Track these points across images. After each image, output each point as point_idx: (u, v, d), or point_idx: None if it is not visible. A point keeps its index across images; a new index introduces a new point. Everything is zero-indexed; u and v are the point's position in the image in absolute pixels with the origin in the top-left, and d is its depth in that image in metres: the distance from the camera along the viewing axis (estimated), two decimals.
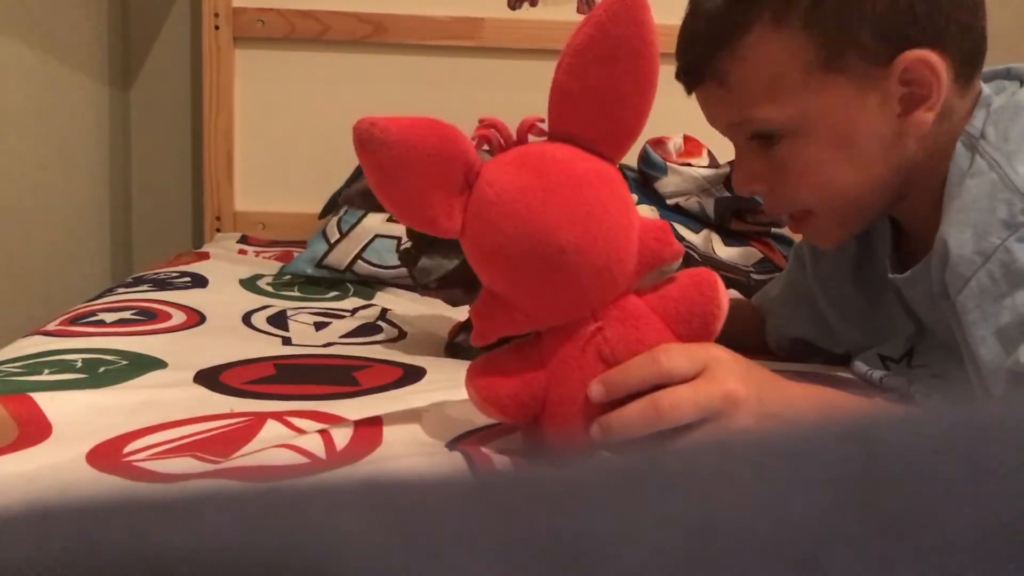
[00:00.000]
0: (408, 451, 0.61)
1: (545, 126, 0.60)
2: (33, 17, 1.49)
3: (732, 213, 1.45)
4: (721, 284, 0.62)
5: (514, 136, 0.60)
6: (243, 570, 0.16)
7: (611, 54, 0.56)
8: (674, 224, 1.42)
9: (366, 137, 0.56)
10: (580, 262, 0.57)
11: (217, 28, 1.78)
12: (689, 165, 1.48)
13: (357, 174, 1.65)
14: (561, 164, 0.58)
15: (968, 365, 0.71)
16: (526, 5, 1.83)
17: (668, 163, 1.48)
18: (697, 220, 1.46)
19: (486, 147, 0.60)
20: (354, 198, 1.00)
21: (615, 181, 0.59)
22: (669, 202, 1.46)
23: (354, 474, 0.20)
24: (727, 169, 1.45)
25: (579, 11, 1.83)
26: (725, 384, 0.57)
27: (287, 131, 1.84)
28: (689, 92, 0.81)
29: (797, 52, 0.73)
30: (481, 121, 0.61)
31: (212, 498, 0.18)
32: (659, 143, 1.52)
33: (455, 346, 0.96)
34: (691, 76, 0.79)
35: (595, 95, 0.57)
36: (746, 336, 1.04)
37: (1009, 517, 0.17)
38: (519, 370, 0.60)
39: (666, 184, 1.47)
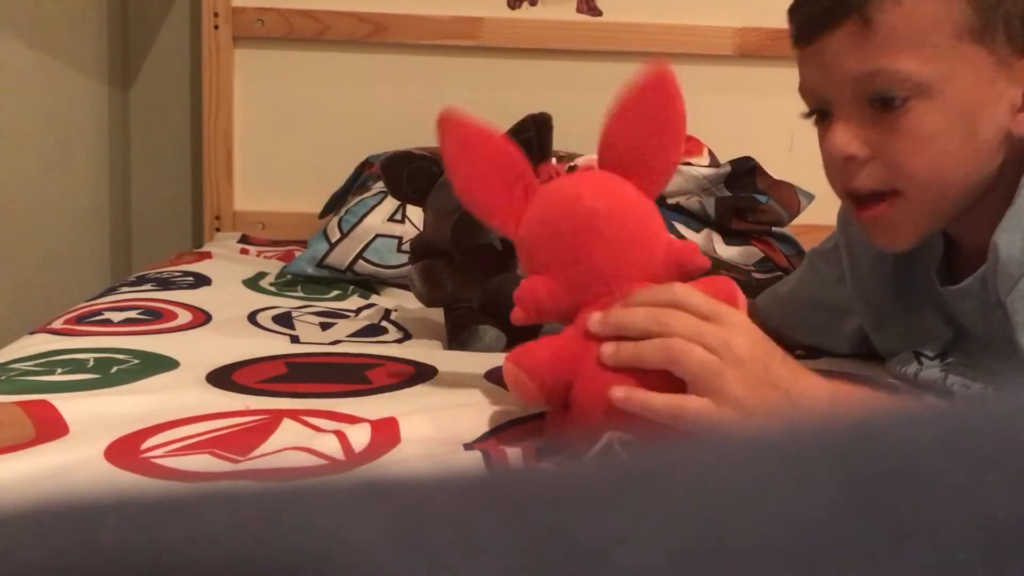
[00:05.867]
0: (426, 451, 0.61)
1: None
2: (33, 17, 1.49)
3: (733, 212, 1.45)
4: (740, 293, 0.67)
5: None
6: (242, 570, 0.16)
7: (649, 111, 0.70)
8: (675, 223, 1.42)
9: (448, 115, 0.70)
10: (608, 226, 0.66)
11: (217, 28, 1.78)
12: (690, 164, 1.48)
13: (357, 174, 1.65)
14: (603, 174, 0.71)
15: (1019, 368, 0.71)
16: (526, 5, 1.83)
17: None
18: (698, 219, 1.46)
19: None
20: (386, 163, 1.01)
21: (648, 201, 0.70)
22: (670, 201, 1.46)
23: (354, 474, 0.20)
24: (727, 168, 1.46)
25: (578, 10, 1.83)
26: (729, 335, 0.60)
27: (287, 131, 1.84)
28: (811, 40, 0.76)
29: (954, 13, 0.72)
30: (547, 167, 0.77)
31: (212, 498, 0.18)
32: None
33: (462, 340, 0.96)
34: (833, 13, 0.74)
35: (637, 141, 0.70)
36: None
37: (1011, 517, 0.17)
38: (553, 344, 0.66)
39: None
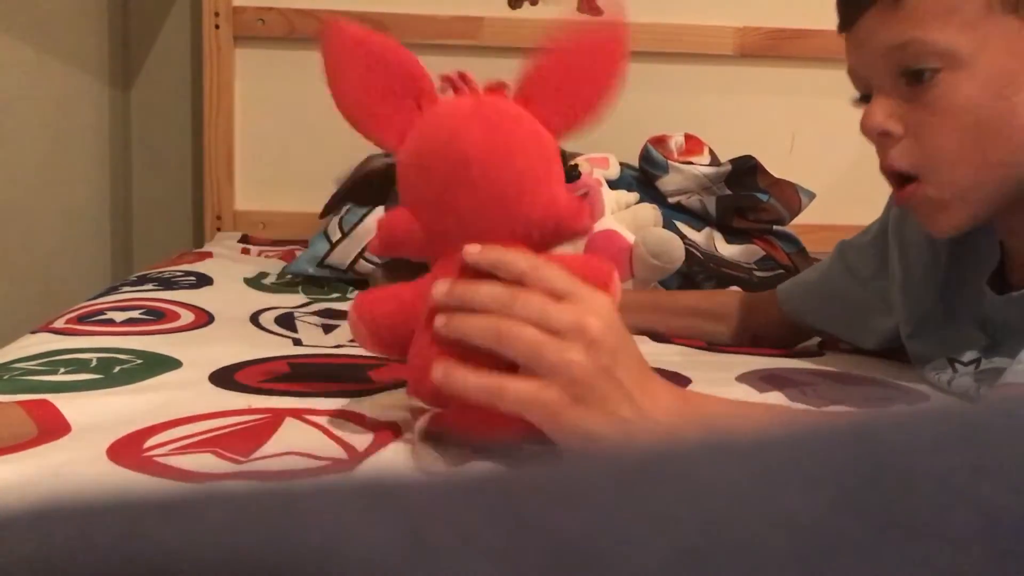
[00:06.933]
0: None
1: (510, 92, 0.64)
2: (33, 17, 1.49)
3: (734, 211, 1.45)
4: (615, 281, 0.60)
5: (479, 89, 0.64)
6: (242, 570, 0.16)
7: (581, 54, 0.63)
8: (676, 222, 1.42)
9: (330, 23, 0.64)
10: (481, 175, 0.58)
11: (217, 27, 1.78)
12: (691, 163, 1.48)
13: (356, 173, 1.65)
14: (501, 106, 0.62)
15: None
16: (526, 4, 1.83)
17: (670, 161, 1.48)
18: (699, 218, 1.47)
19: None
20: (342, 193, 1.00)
21: (546, 143, 0.62)
22: (671, 200, 1.47)
23: (357, 475, 0.20)
24: (728, 167, 1.46)
25: (579, 10, 1.83)
26: (582, 314, 0.54)
27: (287, 130, 1.84)
28: (852, 22, 0.76)
29: None
30: (452, 74, 0.65)
31: (211, 498, 0.18)
32: (660, 141, 1.52)
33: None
34: None
35: (560, 79, 0.63)
36: (771, 329, 1.05)
37: (1011, 517, 0.17)
38: (398, 298, 0.61)
39: (668, 182, 1.47)
